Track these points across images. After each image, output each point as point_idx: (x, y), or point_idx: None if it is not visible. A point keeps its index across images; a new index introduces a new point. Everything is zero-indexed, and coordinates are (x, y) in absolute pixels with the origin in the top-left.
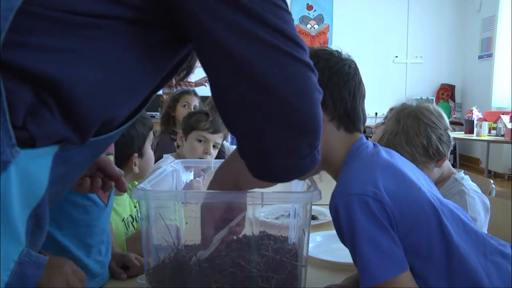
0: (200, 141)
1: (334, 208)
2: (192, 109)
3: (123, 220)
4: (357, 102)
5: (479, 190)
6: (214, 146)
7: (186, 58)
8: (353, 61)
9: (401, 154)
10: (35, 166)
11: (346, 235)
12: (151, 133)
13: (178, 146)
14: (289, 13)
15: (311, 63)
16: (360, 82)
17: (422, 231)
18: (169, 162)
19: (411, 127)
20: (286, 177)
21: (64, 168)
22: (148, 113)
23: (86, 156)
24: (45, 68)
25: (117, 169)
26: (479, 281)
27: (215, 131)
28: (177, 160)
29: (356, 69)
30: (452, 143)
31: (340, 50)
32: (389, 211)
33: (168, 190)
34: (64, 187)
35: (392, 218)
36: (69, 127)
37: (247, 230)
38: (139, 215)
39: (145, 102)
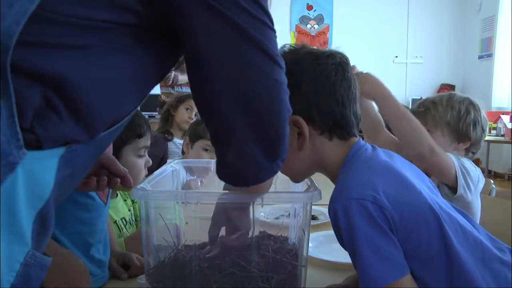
0: (206, 150)
1: (333, 212)
2: (194, 115)
3: (115, 222)
4: (347, 109)
5: (469, 163)
6: None
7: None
8: (341, 59)
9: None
10: (41, 168)
11: (345, 239)
12: (139, 141)
13: (183, 152)
14: (274, 31)
15: (285, 82)
16: (349, 86)
17: (422, 235)
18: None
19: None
20: (238, 182)
21: (69, 169)
22: (147, 113)
23: (90, 155)
24: (53, 67)
25: (122, 167)
26: (477, 287)
27: None
28: (176, 160)
29: (344, 70)
30: (482, 143)
31: (326, 48)
32: (389, 215)
33: (168, 190)
34: (69, 187)
35: (392, 222)
36: (78, 126)
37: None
38: (133, 218)
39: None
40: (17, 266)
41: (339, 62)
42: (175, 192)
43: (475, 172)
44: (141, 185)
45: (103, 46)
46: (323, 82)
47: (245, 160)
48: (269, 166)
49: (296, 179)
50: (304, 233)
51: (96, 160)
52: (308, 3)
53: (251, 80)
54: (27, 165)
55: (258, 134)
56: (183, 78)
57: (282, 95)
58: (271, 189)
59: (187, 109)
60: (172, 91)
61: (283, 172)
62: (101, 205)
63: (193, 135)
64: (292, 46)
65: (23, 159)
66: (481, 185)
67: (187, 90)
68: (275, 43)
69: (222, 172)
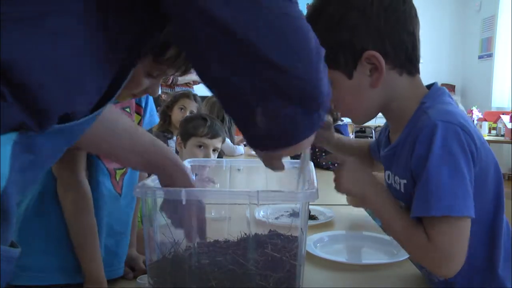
0: (199, 146)
1: (431, 127)
2: (188, 114)
3: None
4: (416, 40)
5: None
6: (213, 150)
7: (149, 37)
8: None
9: None
10: None
11: (423, 158)
12: None
13: (177, 152)
14: None
15: (298, 16)
16: (416, 15)
17: (483, 191)
18: None
19: None
20: (271, 144)
21: (31, 156)
22: None
23: (57, 144)
24: None
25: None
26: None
27: (214, 136)
28: (187, 160)
29: (410, 1)
30: None
31: None
32: (476, 157)
33: (171, 188)
34: (36, 175)
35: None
36: (26, 112)
37: (244, 229)
38: None
39: (117, 85)
40: None
41: None
42: (178, 190)
43: None
44: (143, 182)
45: (49, 13)
46: (393, 12)
47: (277, 117)
48: (308, 120)
49: (360, 120)
50: (302, 232)
51: (68, 146)
52: (308, 3)
53: (240, 22)
54: None
55: (276, 86)
56: (182, 78)
57: (297, 30)
58: (267, 188)
59: (180, 109)
60: (170, 91)
61: (345, 113)
62: (114, 195)
63: (184, 134)
64: None
65: None
66: None
67: (189, 92)
68: None
69: (253, 139)
